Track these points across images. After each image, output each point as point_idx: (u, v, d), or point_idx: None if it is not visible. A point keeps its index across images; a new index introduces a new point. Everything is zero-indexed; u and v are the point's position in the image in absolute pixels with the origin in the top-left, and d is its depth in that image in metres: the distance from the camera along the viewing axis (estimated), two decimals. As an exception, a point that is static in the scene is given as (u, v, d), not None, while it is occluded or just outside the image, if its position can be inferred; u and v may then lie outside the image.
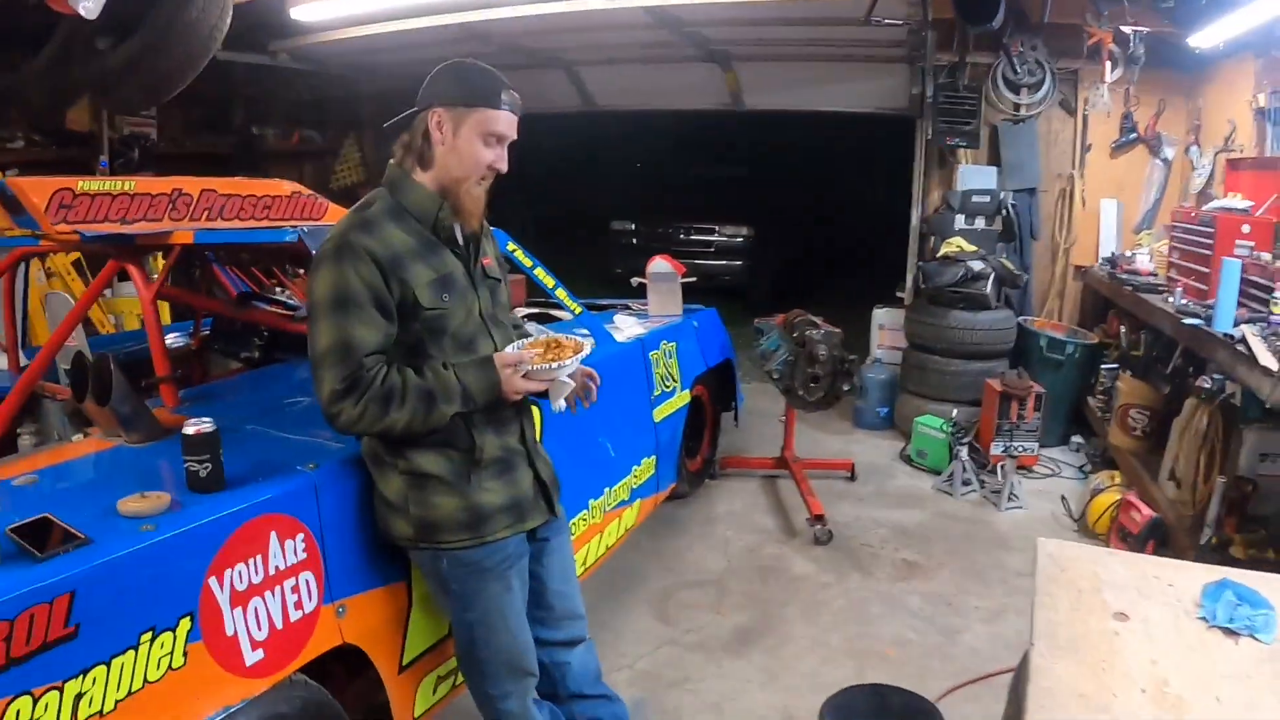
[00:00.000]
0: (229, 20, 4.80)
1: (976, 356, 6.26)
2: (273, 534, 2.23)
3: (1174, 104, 6.89)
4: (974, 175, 7.06)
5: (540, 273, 3.83)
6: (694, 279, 5.44)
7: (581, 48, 7.75)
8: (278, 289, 4.83)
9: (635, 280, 5.32)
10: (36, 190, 3.01)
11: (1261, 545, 3.90)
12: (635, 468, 4.24)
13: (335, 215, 3.22)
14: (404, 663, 2.65)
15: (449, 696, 2.90)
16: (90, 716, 1.83)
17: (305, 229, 2.69)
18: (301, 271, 4.53)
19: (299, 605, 2.30)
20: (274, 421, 2.86)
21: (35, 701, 1.73)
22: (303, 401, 3.12)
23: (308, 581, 2.32)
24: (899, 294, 7.57)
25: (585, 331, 4.03)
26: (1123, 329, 6.34)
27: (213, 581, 2.09)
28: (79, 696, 1.81)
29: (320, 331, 2.18)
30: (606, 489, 3.94)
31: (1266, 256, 4.35)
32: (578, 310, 4.06)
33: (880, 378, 6.93)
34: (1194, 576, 2.17)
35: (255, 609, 2.19)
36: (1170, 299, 4.89)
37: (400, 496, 2.36)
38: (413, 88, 2.32)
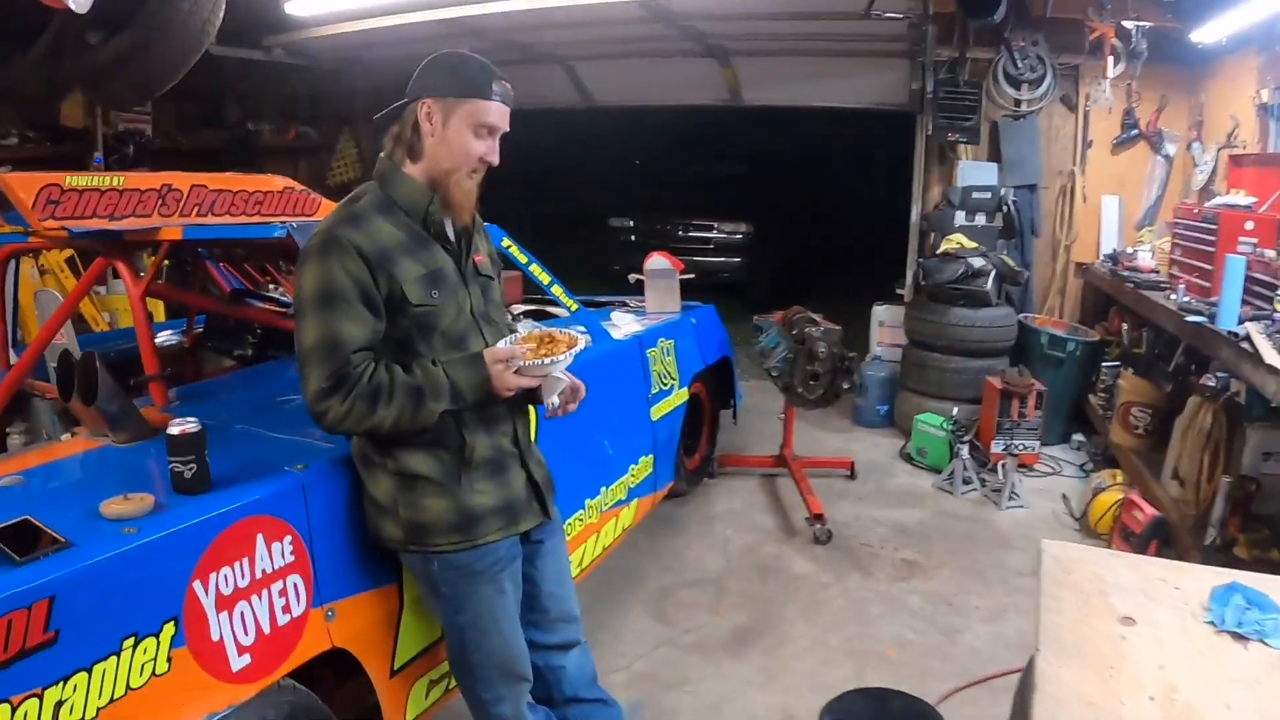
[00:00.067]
0: (221, 15, 4.75)
1: (977, 354, 6.21)
2: (259, 536, 2.19)
3: (1176, 100, 6.83)
4: (974, 171, 7.00)
5: (536, 269, 3.78)
6: (692, 275, 5.40)
7: (577, 43, 7.69)
8: (271, 286, 4.79)
9: (633, 277, 5.28)
10: (23, 186, 2.97)
11: (1265, 545, 3.86)
12: (632, 467, 4.20)
13: (328, 211, 3.16)
14: (395, 667, 2.60)
15: (442, 701, 2.85)
16: (72, 724, 1.79)
17: (294, 224, 2.65)
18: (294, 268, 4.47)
19: (287, 609, 2.25)
20: (264, 420, 2.81)
21: (14, 709, 1.69)
22: (294, 400, 3.04)
23: (296, 585, 2.28)
24: (899, 291, 7.52)
25: (582, 329, 3.99)
26: (1124, 326, 6.30)
27: (197, 585, 2.04)
28: (59, 704, 1.77)
29: (306, 328, 2.13)
30: (603, 488, 3.89)
31: (1270, 253, 4.30)
32: (574, 307, 4.01)
33: (880, 375, 6.88)
34: (1201, 579, 2.13)
35: (241, 613, 2.14)
36: (1173, 296, 4.84)
37: (389, 498, 2.31)
38: (408, 83, 2.28)
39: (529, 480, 2.46)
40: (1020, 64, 6.65)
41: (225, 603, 2.10)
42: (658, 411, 4.49)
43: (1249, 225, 4.50)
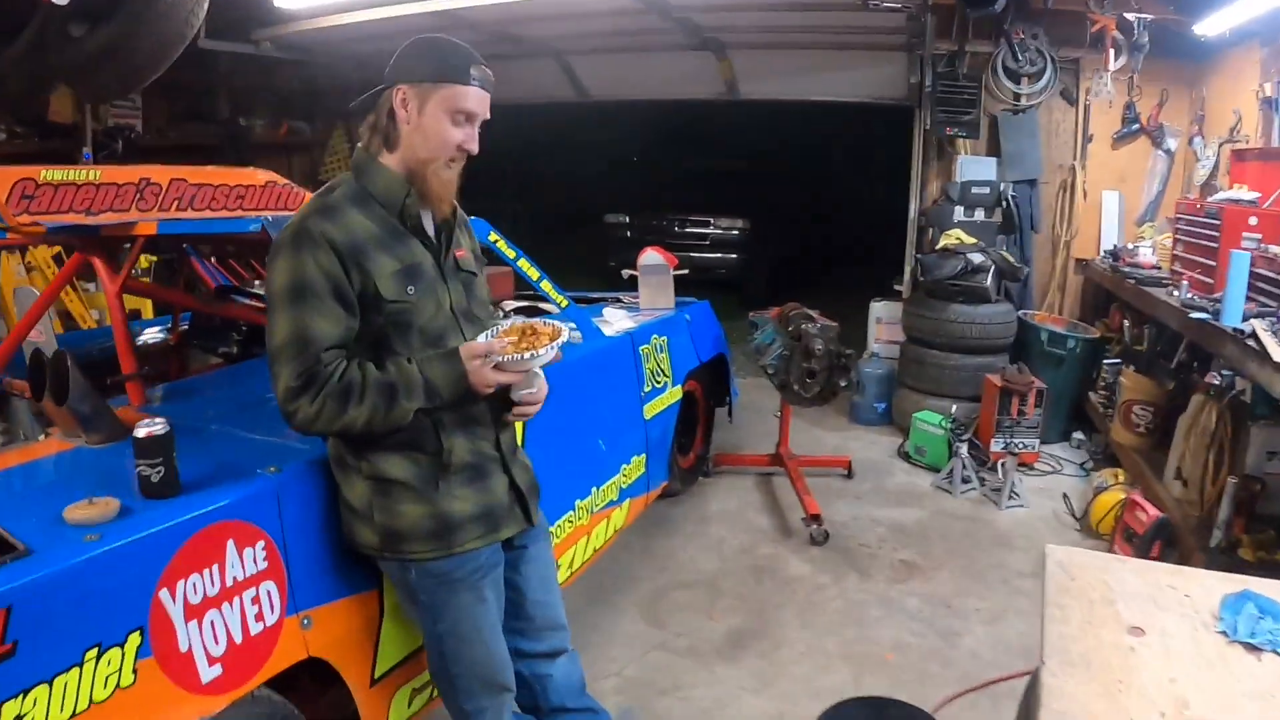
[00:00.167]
0: (205, 6, 4.67)
1: (976, 351, 6.13)
2: (230, 542, 2.10)
3: (1177, 94, 6.76)
4: (973, 166, 6.93)
5: (524, 264, 3.69)
6: (686, 271, 5.32)
7: (571, 36, 7.60)
8: (257, 283, 4.71)
9: (626, 273, 5.20)
10: (-2, 180, 2.90)
11: (1271, 546, 3.79)
12: (624, 466, 4.11)
13: (314, 206, 3.09)
14: (376, 675, 2.52)
15: (425, 709, 2.77)
16: (32, 739, 1.71)
17: (270, 218, 2.55)
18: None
19: (260, 617, 2.17)
20: (242, 421, 2.72)
21: (-30, 724, 1.61)
22: (274, 400, 2.98)
23: (269, 592, 2.19)
24: (897, 287, 7.45)
25: (572, 325, 3.90)
26: (1125, 323, 6.23)
27: (164, 594, 1.96)
28: (19, 718, 1.69)
29: (276, 324, 2.04)
30: (594, 489, 3.80)
31: (1275, 249, 4.22)
32: (564, 303, 3.92)
33: (878, 372, 6.81)
34: (1211, 586, 2.05)
35: (211, 622, 2.06)
36: (1175, 293, 4.77)
37: (365, 503, 2.22)
38: None
39: (511, 486, 2.37)
40: (1020, 57, 6.59)
41: (194, 611, 2.02)
42: (651, 410, 4.41)
43: (1252, 221, 4.43)
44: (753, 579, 4.37)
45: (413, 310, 2.15)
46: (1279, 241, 4.26)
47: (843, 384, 5.01)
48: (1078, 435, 6.21)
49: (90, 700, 1.81)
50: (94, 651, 1.82)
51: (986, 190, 6.66)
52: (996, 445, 5.37)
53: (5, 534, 1.87)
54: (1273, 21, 5.15)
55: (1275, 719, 1.66)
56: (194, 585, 2.02)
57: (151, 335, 4.50)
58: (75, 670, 1.79)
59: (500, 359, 2.12)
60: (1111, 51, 6.28)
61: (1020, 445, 5.33)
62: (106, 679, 1.85)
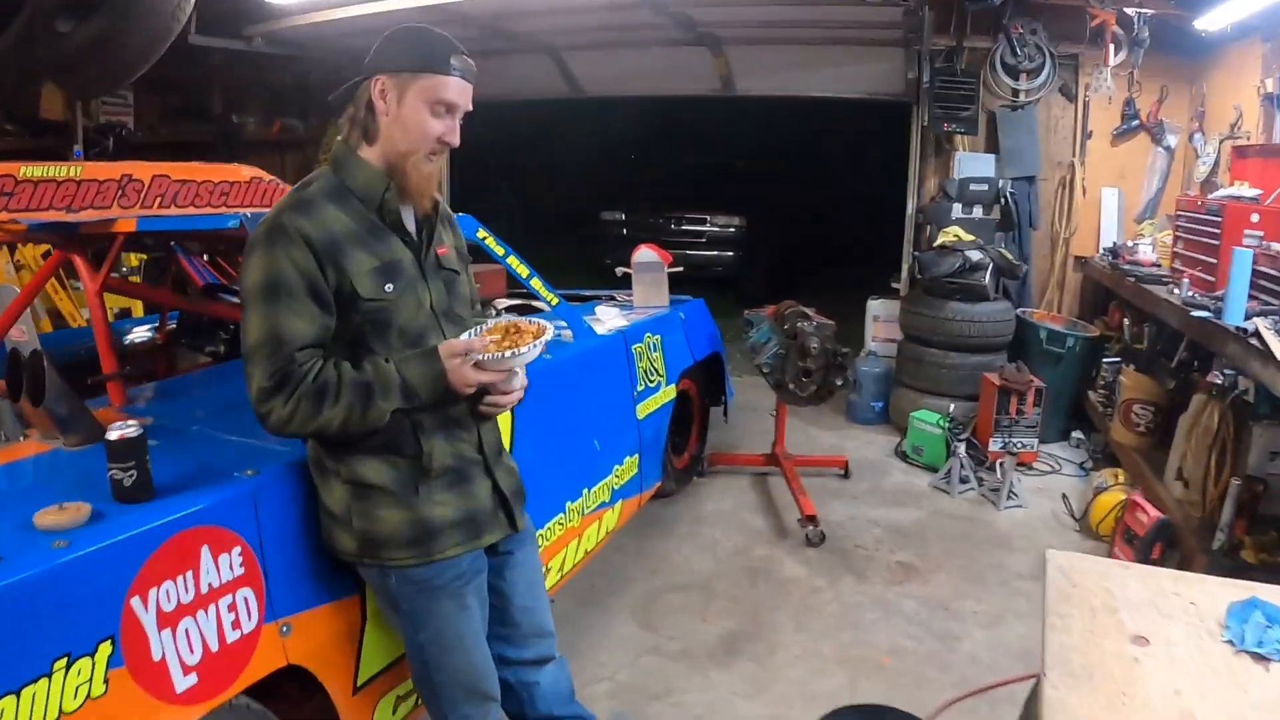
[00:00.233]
0: (192, 1, 4.62)
1: (974, 349, 6.09)
2: (204, 548, 2.03)
3: (1177, 90, 6.72)
4: (971, 163, 6.89)
5: (514, 261, 3.62)
6: (680, 269, 5.26)
7: (565, 31, 7.52)
8: (245, 280, 4.64)
9: (620, 270, 5.14)
10: (-24, 178, 2.85)
11: (1273, 549, 3.73)
12: (617, 467, 4.05)
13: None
14: (359, 683, 2.45)
15: (410, 717, 2.70)
16: (0, 751, 1.65)
17: (248, 214, 2.49)
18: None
19: (236, 625, 2.10)
20: (223, 422, 2.65)
21: (-67, 738, 1.55)
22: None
23: (246, 599, 2.12)
24: (894, 285, 7.42)
25: (563, 323, 3.85)
26: (1125, 321, 6.18)
27: (135, 602, 1.90)
28: (-16, 732, 1.63)
29: (250, 323, 1.97)
30: (585, 490, 3.74)
31: (1277, 246, 4.16)
32: (554, 301, 3.86)
33: (875, 371, 6.76)
34: (1216, 593, 1.99)
35: (186, 630, 1.99)
36: (1176, 290, 4.71)
37: (343, 508, 2.15)
38: None
39: (495, 490, 2.30)
40: (1019, 53, 6.54)
41: (167, 620, 1.95)
42: (644, 409, 4.34)
43: (1254, 218, 4.37)
44: (747, 581, 4.31)
45: (391, 309, 2.08)
46: (1281, 239, 4.21)
47: (839, 383, 4.95)
48: (1076, 434, 6.15)
49: (60, 711, 1.75)
50: (63, 662, 1.76)
51: (985, 187, 6.61)
52: (995, 445, 5.32)
53: (-31, 541, 1.81)
54: (1274, 16, 5.09)
55: (1284, 732, 1.61)
56: (167, 593, 1.95)
57: (140, 334, 4.45)
58: (44, 681, 1.72)
59: (481, 358, 2.05)
60: (1111, 47, 6.22)
61: (1019, 445, 5.28)
62: (77, 689, 1.78)
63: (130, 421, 2.07)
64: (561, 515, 3.52)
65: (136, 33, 4.56)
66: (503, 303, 4.89)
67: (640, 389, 4.32)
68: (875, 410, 6.73)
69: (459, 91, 2.06)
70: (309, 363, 1.99)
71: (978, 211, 6.63)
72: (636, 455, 4.26)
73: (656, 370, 4.50)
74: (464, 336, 2.12)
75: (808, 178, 13.40)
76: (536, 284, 3.75)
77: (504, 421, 3.03)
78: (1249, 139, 5.58)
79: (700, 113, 12.54)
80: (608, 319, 4.37)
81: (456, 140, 2.10)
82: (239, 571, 2.11)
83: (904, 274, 7.28)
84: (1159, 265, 5.61)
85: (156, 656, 1.93)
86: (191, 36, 6.85)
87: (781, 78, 7.89)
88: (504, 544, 2.35)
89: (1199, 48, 6.23)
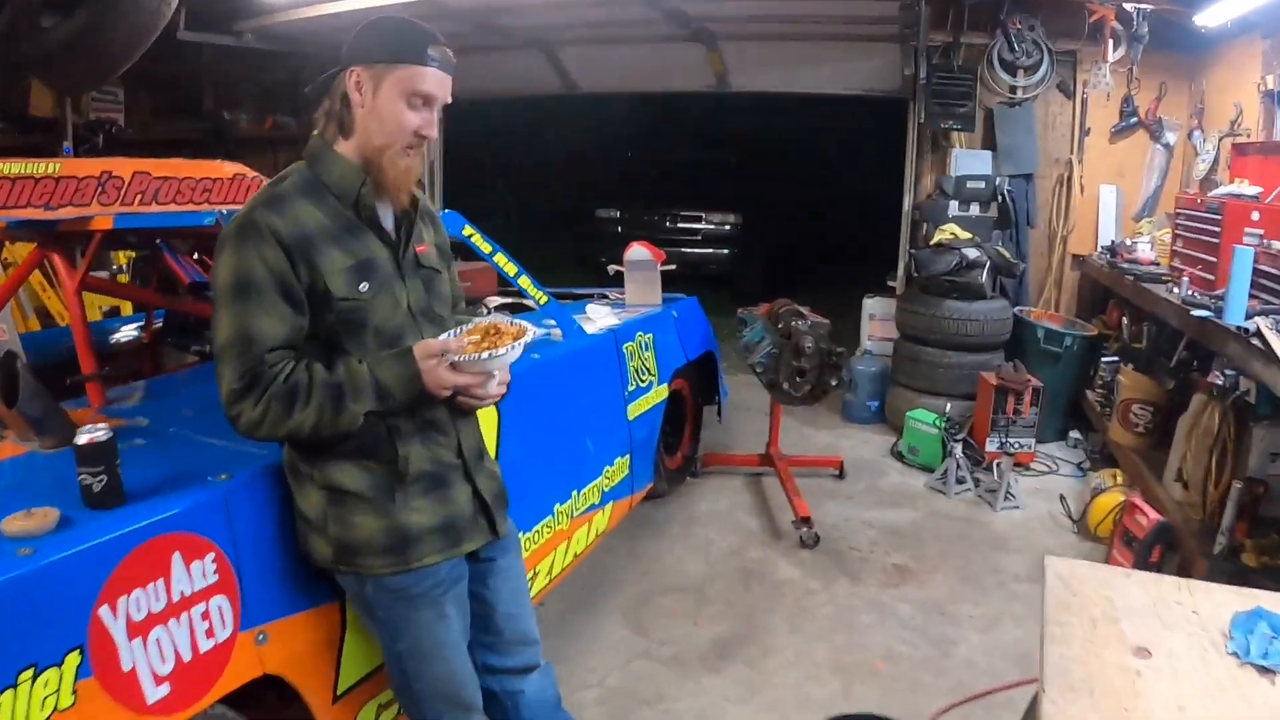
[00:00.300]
0: (177, -4, 4.56)
1: (971, 348, 6.03)
2: (176, 555, 1.97)
3: (1176, 87, 6.67)
4: (968, 160, 6.83)
5: (501, 259, 3.55)
6: (674, 266, 5.19)
7: (558, 26, 7.45)
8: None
9: (612, 268, 5.08)
10: (-49, 175, 2.78)
11: (1274, 552, 3.67)
12: (607, 469, 3.99)
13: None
14: (339, 691, 2.39)
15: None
16: (-38, 765, 1.59)
17: (224, 211, 2.43)
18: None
19: (210, 633, 2.04)
20: (203, 424, 2.59)
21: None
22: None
23: (220, 607, 2.06)
24: (890, 283, 7.37)
25: (552, 322, 3.78)
26: (1123, 320, 6.13)
27: (104, 611, 1.83)
28: (-54, 746, 1.57)
29: (220, 323, 1.91)
30: (574, 492, 3.67)
31: (1278, 245, 4.11)
32: (543, 300, 3.79)
33: (871, 370, 6.70)
34: (1220, 602, 1.93)
35: (157, 640, 1.93)
36: (1175, 289, 4.64)
37: (319, 514, 2.08)
38: None
39: (475, 495, 2.23)
40: (1017, 49, 6.46)
41: (137, 629, 1.89)
42: (635, 410, 4.28)
43: (1255, 216, 4.31)
44: (740, 584, 4.25)
45: (366, 309, 2.01)
46: (1282, 237, 4.15)
47: (833, 383, 4.88)
48: (1074, 434, 6.10)
49: (26, 723, 1.68)
50: (29, 673, 1.70)
51: (982, 184, 6.55)
52: (992, 445, 5.28)
53: (-70, 548, 1.75)
54: (1275, 12, 5.04)
55: (1291, 748, 1.55)
56: (137, 601, 1.89)
57: (126, 333, 4.39)
58: (9, 693, 1.67)
59: (457, 359, 1.98)
60: (1110, 42, 6.16)
61: (1016, 445, 5.23)
62: (44, 701, 1.72)
63: (100, 425, 2.01)
64: (550, 518, 3.46)
65: (120, 27, 4.48)
66: (494, 300, 4.83)
67: (631, 389, 4.25)
68: (871, 409, 6.67)
69: (436, 83, 1.99)
70: (280, 364, 1.92)
71: (975, 209, 6.58)
72: (627, 456, 4.20)
73: (648, 369, 4.44)
74: (443, 337, 2.05)
75: (804, 175, 13.35)
76: (525, 282, 3.68)
77: (490, 423, 2.97)
78: (1249, 136, 5.53)
79: (695, 109, 12.50)
80: (598, 318, 4.31)
81: (434, 134, 2.03)
82: (212, 579, 2.04)
83: (900, 272, 7.22)
84: (1158, 264, 5.55)
85: (127, 666, 1.88)
86: (180, 32, 6.79)
87: (777, 74, 7.83)
88: (485, 550, 2.28)
89: (1199, 44, 6.19)
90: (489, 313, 4.55)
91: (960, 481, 5.31)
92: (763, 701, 3.37)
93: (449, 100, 2.04)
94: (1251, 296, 3.85)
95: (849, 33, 6.95)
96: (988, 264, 6.01)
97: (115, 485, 1.99)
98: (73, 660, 1.78)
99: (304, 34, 7.44)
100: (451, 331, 2.08)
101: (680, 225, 10.86)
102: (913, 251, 6.67)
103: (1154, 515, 4.05)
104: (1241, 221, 4.30)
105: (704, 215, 10.84)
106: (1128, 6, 5.91)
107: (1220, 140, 5.93)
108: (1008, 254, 6.27)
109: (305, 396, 1.92)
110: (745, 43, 7.61)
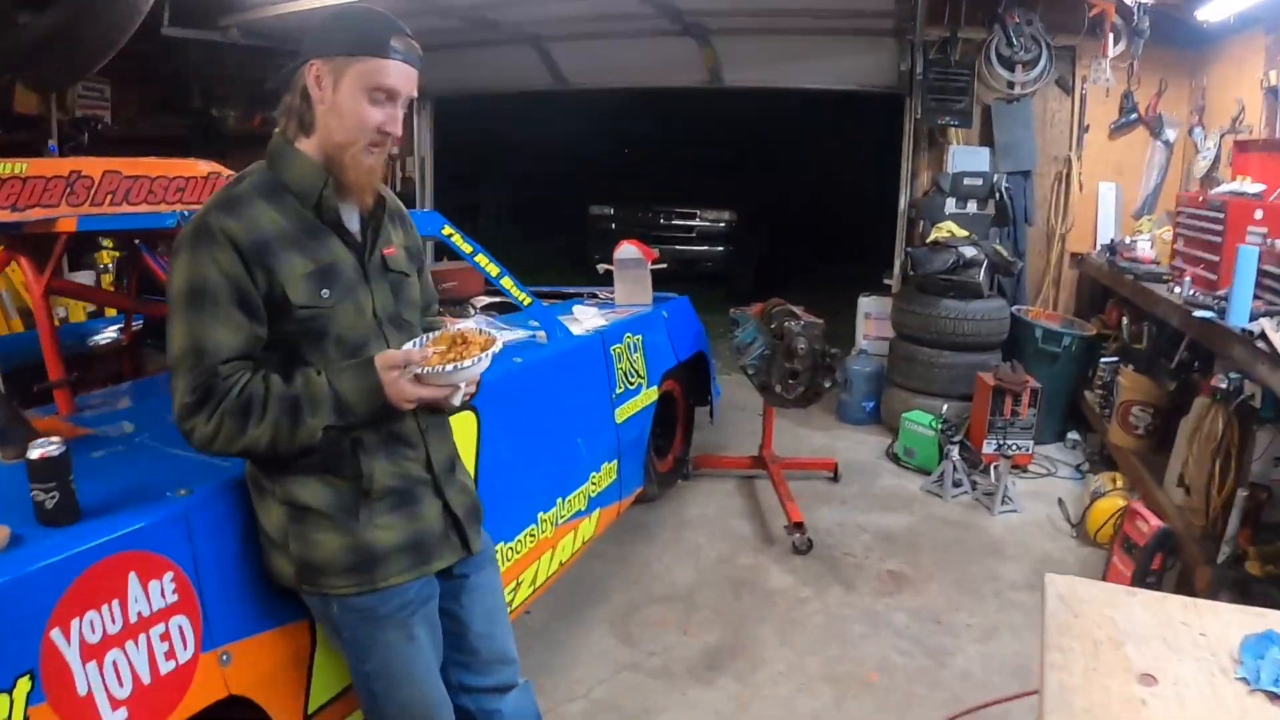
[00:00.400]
0: (155, -10, 4.45)
1: (968, 348, 5.95)
2: (131, 575, 1.87)
3: (1176, 83, 6.59)
4: (966, 156, 6.77)
5: (483, 259, 3.45)
6: (664, 265, 5.10)
7: (549, 21, 7.36)
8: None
9: (601, 267, 4.98)
10: (-86, 175, 2.69)
11: (1278, 560, 3.57)
12: (594, 474, 3.88)
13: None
14: (309, 712, 2.29)
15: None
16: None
17: (187, 213, 2.32)
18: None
19: (170, 655, 1.94)
20: (172, 433, 2.48)
21: None
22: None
23: (180, 627, 1.96)
24: (886, 281, 7.31)
25: (536, 323, 3.69)
26: (1123, 320, 6.03)
27: (56, 634, 1.74)
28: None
29: (174, 333, 1.81)
30: (559, 499, 3.57)
31: (1281, 244, 4.02)
32: (527, 301, 3.69)
33: (866, 370, 6.62)
34: (1229, 623, 1.84)
35: (114, 662, 1.84)
36: (1177, 289, 4.55)
37: (280, 531, 1.98)
38: None
39: (446, 511, 2.12)
40: (1015, 43, 6.39)
41: (92, 652, 1.80)
42: (623, 413, 4.18)
43: (1258, 214, 4.21)
44: (731, 592, 4.15)
45: (328, 316, 1.91)
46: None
47: (827, 385, 4.77)
48: (1073, 435, 6.03)
49: (-24, 752, 1.60)
50: (-23, 700, 1.60)
51: (979, 181, 6.49)
52: (989, 447, 5.19)
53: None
54: (1277, 8, 4.96)
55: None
56: (91, 623, 1.80)
57: (106, 335, 4.30)
58: (-43, 720, 1.57)
59: (421, 371, 1.88)
60: (1110, 37, 6.07)
61: (1014, 447, 5.14)
62: (-6, 728, 1.63)
63: (54, 439, 1.91)
64: (533, 526, 3.36)
65: (97, 22, 4.38)
66: (481, 300, 4.74)
67: (619, 392, 4.16)
68: (866, 410, 6.59)
69: (400, 76, 1.88)
70: (234, 376, 1.82)
71: (972, 206, 6.52)
72: (615, 461, 4.10)
73: (637, 372, 4.34)
74: (406, 346, 1.95)
75: (798, 171, 13.29)
76: (507, 283, 3.58)
77: (468, 429, 2.88)
78: (1251, 133, 5.45)
79: (689, 105, 12.42)
80: (585, 319, 4.21)
81: (399, 130, 1.92)
82: (172, 599, 1.94)
83: (896, 270, 7.16)
84: (1158, 262, 5.46)
85: (82, 691, 1.78)
86: (164, 28, 6.69)
87: (771, 69, 7.73)
88: (459, 567, 2.18)
89: (1200, 39, 6.11)
90: (475, 312, 4.47)
91: (957, 484, 5.23)
92: (752, 715, 3.28)
93: (415, 94, 1.93)
94: (1256, 297, 3.76)
95: (844, 27, 6.85)
96: (985, 262, 5.94)
97: (69, 502, 1.89)
98: (24, 685, 1.69)
99: (289, 29, 7.32)
100: (416, 341, 1.98)
101: (675, 222, 10.81)
102: (909, 249, 6.61)
103: (1155, 522, 3.95)
104: (1244, 220, 4.20)
105: (699, 212, 10.79)
106: (1128, 1, 5.81)
107: (1221, 137, 5.84)
108: (1005, 252, 6.19)
109: (260, 411, 1.82)
110: (738, 37, 7.50)
